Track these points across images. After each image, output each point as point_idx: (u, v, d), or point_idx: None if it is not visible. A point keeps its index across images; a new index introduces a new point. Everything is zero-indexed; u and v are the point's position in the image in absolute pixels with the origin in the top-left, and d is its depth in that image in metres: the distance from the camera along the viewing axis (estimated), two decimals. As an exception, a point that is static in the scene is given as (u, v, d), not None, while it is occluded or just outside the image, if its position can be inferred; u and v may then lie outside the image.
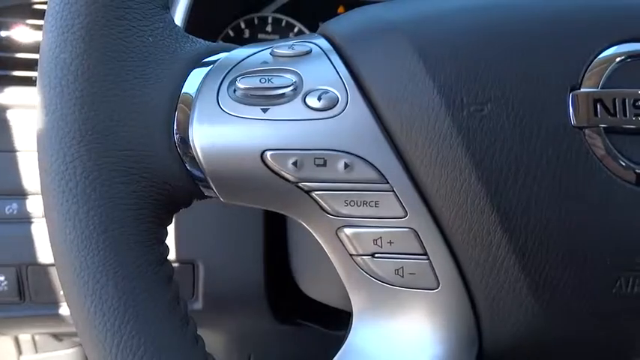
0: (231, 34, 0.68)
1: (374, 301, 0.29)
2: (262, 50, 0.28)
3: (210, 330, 0.61)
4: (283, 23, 0.68)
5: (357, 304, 0.29)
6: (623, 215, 0.25)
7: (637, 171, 0.25)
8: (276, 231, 0.54)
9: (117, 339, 0.24)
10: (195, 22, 0.57)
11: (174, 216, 0.57)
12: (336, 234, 0.27)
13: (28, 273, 0.53)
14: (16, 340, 0.76)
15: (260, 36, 0.69)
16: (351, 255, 0.28)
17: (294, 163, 0.26)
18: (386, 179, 0.26)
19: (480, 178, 0.25)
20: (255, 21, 0.68)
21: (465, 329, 0.27)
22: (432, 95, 0.25)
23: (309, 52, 0.28)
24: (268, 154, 0.26)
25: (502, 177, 0.25)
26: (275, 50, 0.28)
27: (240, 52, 0.29)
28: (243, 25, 0.68)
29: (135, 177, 0.26)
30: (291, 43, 0.28)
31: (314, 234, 0.29)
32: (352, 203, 0.26)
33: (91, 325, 0.24)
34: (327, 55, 0.27)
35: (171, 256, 0.55)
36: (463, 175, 0.25)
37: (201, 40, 0.30)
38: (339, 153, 0.26)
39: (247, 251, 0.54)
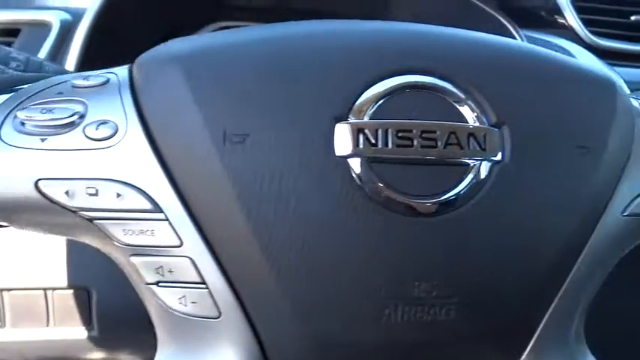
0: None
1: (168, 329, 0.29)
2: (64, 82, 0.29)
3: (110, 357, 0.60)
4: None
5: (157, 331, 0.29)
6: (388, 244, 0.26)
7: (400, 200, 0.26)
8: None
9: None
10: (113, 46, 0.58)
11: (66, 240, 0.56)
12: (129, 262, 0.28)
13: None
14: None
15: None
16: (144, 283, 0.28)
17: (66, 192, 0.26)
18: (160, 208, 0.26)
19: (242, 210, 0.25)
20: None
21: (250, 358, 0.27)
22: (199, 126, 0.26)
23: (105, 83, 0.28)
24: (42, 183, 0.26)
25: (263, 208, 0.25)
26: (73, 81, 0.29)
27: (44, 83, 0.29)
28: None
29: None
30: (88, 74, 0.29)
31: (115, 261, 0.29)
32: (130, 232, 0.27)
33: None
34: (119, 86, 0.28)
35: (64, 282, 0.55)
36: (229, 206, 0.25)
37: (13, 72, 0.30)
38: (110, 182, 0.26)
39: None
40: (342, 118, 0.26)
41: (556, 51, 0.61)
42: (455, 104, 0.27)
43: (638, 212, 0.29)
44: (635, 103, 0.32)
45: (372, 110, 0.26)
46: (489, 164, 0.26)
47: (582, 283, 0.29)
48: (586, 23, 0.66)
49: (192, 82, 0.26)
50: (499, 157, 0.26)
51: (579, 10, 0.67)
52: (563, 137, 0.27)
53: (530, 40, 0.65)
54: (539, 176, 0.27)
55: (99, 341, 0.57)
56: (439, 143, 0.26)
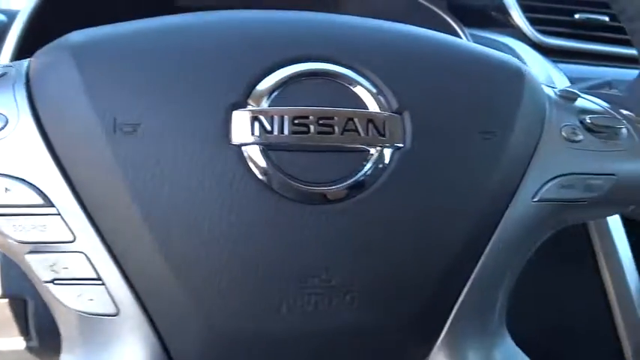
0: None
1: (69, 329, 0.28)
2: None
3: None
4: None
5: (61, 332, 0.28)
6: (289, 232, 0.25)
7: (296, 187, 0.25)
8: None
9: None
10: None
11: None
12: (25, 260, 0.27)
13: None
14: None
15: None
16: (41, 281, 0.27)
17: None
18: (51, 202, 0.25)
19: (134, 202, 0.24)
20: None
21: (153, 356, 0.26)
22: (89, 116, 0.25)
23: (1, 77, 0.27)
24: None
25: (156, 200, 0.24)
26: None
27: None
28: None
29: None
30: None
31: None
32: (21, 228, 0.25)
33: None
34: (14, 78, 0.27)
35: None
36: (120, 197, 0.24)
37: None
38: None
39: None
40: (240, 106, 0.25)
41: (501, 49, 0.62)
42: (356, 92, 0.26)
43: (549, 198, 0.29)
44: (548, 90, 0.31)
45: (271, 98, 0.25)
46: (391, 150, 0.26)
47: (496, 269, 0.28)
48: (532, 22, 0.67)
49: (83, 72, 0.25)
50: (400, 143, 0.26)
51: (525, 8, 0.67)
52: (467, 123, 0.27)
53: (476, 38, 0.65)
54: (442, 162, 0.26)
55: (38, 351, 0.55)
56: (336, 130, 0.25)
